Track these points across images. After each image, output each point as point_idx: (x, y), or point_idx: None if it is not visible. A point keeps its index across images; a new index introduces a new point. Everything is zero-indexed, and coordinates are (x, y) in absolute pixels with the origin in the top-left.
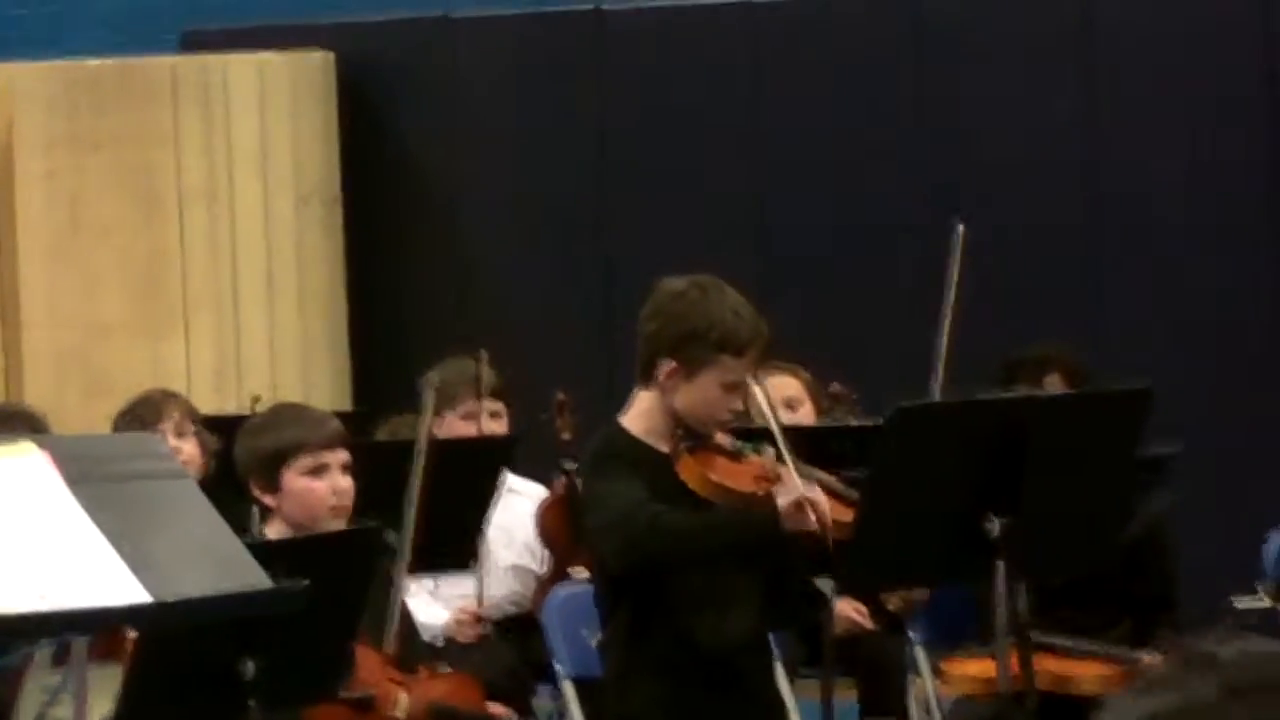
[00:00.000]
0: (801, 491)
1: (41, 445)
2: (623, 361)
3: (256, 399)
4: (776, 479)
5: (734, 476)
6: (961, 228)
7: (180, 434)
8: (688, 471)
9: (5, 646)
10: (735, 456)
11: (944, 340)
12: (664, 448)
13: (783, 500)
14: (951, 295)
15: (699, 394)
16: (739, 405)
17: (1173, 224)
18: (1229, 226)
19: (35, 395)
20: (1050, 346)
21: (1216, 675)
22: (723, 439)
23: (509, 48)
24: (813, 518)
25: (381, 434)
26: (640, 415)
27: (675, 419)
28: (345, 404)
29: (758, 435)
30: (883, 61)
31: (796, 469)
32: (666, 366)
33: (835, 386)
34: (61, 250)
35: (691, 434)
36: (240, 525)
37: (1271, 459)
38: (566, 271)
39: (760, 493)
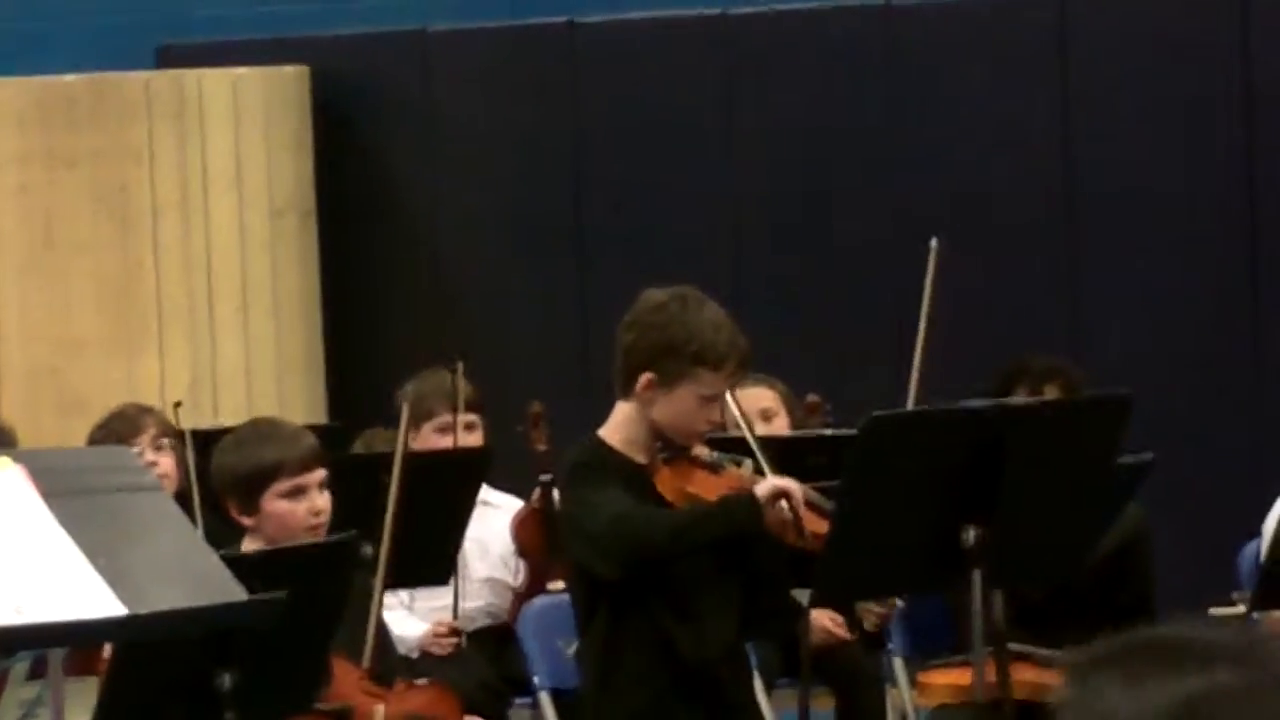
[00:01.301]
0: (777, 482)
1: (17, 459)
2: (600, 374)
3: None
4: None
5: (711, 488)
6: (935, 243)
7: (156, 448)
8: (665, 483)
9: None
10: (713, 469)
11: (918, 356)
12: (642, 459)
13: (761, 489)
14: (925, 311)
15: (676, 406)
16: (717, 418)
17: (1149, 234)
18: (1206, 236)
19: (8, 411)
20: (1055, 359)
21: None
22: (701, 451)
23: (483, 61)
24: (785, 506)
25: (356, 447)
26: (618, 426)
27: (654, 430)
28: (321, 418)
29: (736, 447)
30: (856, 71)
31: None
32: (644, 378)
33: (811, 398)
34: (35, 266)
35: (670, 445)
36: (217, 539)
37: (1247, 469)
38: (543, 284)
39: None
